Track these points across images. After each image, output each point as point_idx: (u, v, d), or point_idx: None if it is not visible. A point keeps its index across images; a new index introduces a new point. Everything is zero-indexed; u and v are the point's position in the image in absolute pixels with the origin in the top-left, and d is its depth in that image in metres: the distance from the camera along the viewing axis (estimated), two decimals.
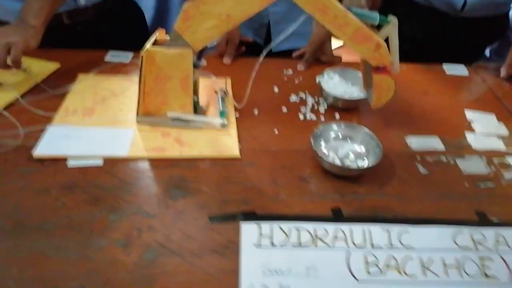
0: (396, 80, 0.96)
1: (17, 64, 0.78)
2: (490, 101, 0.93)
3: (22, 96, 0.80)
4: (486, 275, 0.57)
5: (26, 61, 0.86)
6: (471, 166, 0.74)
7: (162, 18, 1.58)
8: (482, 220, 0.65)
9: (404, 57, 1.02)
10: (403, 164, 0.74)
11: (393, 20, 0.69)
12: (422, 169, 0.73)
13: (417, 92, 0.94)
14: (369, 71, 0.76)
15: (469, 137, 0.81)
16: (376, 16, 0.68)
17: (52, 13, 0.84)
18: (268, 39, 1.13)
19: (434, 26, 1.11)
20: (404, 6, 1.12)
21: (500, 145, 0.80)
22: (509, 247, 0.61)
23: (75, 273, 0.52)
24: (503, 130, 0.84)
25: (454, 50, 1.09)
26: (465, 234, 0.62)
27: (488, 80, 1.00)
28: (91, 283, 0.51)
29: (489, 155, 0.77)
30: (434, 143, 0.79)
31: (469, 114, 0.88)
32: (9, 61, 0.78)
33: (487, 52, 1.32)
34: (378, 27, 0.70)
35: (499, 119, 0.87)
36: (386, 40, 0.70)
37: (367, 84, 0.79)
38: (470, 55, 1.13)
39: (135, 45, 1.08)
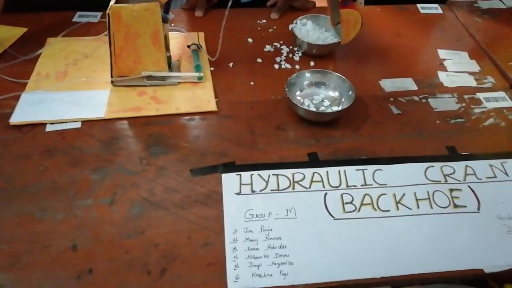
0: (370, 23, 0.97)
1: None
2: (464, 39, 0.94)
3: None
4: (455, 205, 0.61)
5: None
6: (442, 103, 0.77)
7: None
8: (452, 154, 0.68)
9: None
10: (377, 106, 0.75)
11: None
12: (395, 110, 0.75)
13: (391, 35, 0.94)
14: (335, 7, 0.78)
15: (441, 76, 0.83)
16: None
17: None
18: None
19: None
20: None
21: (471, 82, 0.82)
22: (477, 177, 0.65)
23: (65, 232, 0.54)
24: (475, 66, 0.86)
25: None
26: (435, 168, 0.65)
27: (462, 17, 1.00)
28: (81, 239, 0.53)
29: (460, 92, 0.79)
30: (407, 84, 0.81)
31: (442, 53, 0.89)
32: None
33: None
34: None
35: (471, 56, 0.89)
36: None
37: (334, 21, 0.82)
38: None
39: (102, 5, 1.05)
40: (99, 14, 0.94)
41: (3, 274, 0.49)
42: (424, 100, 0.77)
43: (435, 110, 0.75)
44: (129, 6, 0.66)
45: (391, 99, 0.77)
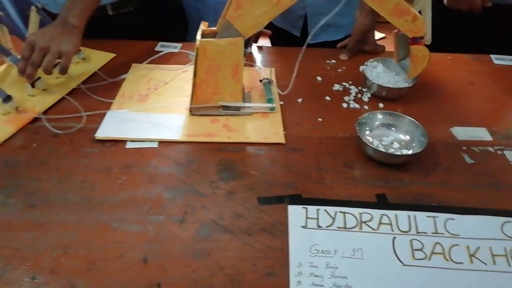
0: (440, 69, 0.97)
1: (64, 72, 0.79)
2: None
3: (83, 83, 0.86)
4: None
5: (86, 51, 0.93)
6: None
7: (199, 9, 1.61)
8: None
9: (450, 47, 1.01)
10: (448, 153, 0.74)
11: None
12: (468, 159, 0.72)
13: (463, 83, 0.93)
14: (402, 44, 0.84)
15: None
16: None
17: (93, 11, 0.85)
18: (304, 31, 1.15)
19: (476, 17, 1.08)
20: None
21: None
22: None
23: (138, 244, 0.56)
24: None
25: (500, 38, 1.06)
26: None
27: None
28: (152, 253, 0.55)
29: None
30: (480, 133, 0.79)
31: None
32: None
33: None
34: None
35: None
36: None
37: (399, 56, 0.87)
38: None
39: (175, 35, 1.13)
40: (179, 45, 1.01)
41: (80, 277, 0.52)
42: (499, 152, 0.74)
43: (511, 163, 0.72)
44: (215, 41, 0.70)
45: (464, 148, 0.75)
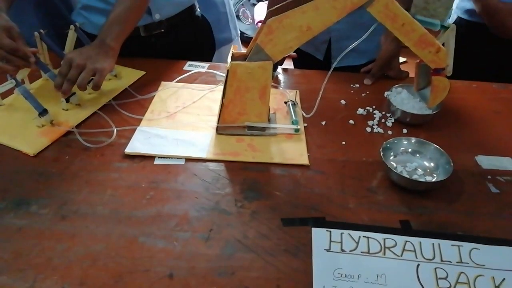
0: (464, 98, 0.97)
1: (97, 88, 0.82)
2: None
3: (113, 99, 0.89)
4: None
5: (117, 68, 0.97)
6: None
7: (225, 29, 1.65)
8: None
9: (476, 76, 1.02)
10: (473, 182, 0.73)
11: (451, 26, 0.78)
12: (493, 188, 0.72)
13: (488, 111, 0.93)
14: (423, 74, 0.86)
15: None
16: (438, 23, 0.78)
17: (129, 34, 0.89)
18: (327, 55, 1.17)
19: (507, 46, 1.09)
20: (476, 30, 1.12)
21: None
22: None
23: (164, 260, 0.57)
24: None
25: None
26: None
27: None
28: (178, 269, 0.56)
29: None
30: (505, 163, 0.78)
31: None
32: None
33: None
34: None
35: None
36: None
37: (418, 85, 0.89)
38: None
39: (202, 54, 1.17)
40: (207, 65, 1.04)
41: None
42: None
43: None
44: (246, 63, 0.73)
45: (489, 177, 0.74)
